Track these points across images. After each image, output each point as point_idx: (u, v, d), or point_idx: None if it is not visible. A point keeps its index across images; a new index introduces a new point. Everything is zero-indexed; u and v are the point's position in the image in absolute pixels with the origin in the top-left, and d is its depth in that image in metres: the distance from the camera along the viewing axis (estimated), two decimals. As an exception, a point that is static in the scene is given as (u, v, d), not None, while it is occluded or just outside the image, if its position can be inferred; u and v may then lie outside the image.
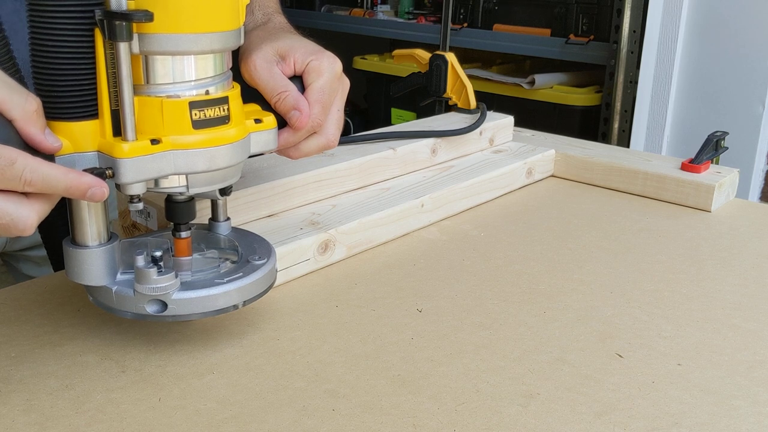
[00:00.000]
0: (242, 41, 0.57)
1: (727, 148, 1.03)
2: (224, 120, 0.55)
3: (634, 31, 1.99)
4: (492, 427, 0.51)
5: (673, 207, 0.95)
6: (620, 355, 0.61)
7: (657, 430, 0.51)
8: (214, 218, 0.65)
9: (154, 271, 0.54)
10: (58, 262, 0.77)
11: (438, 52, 1.04)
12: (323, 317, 0.66)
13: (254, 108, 0.63)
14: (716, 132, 1.01)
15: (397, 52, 1.12)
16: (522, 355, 0.60)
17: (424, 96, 1.08)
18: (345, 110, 0.69)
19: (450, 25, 2.44)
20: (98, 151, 0.52)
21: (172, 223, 0.59)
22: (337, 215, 0.79)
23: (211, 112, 0.54)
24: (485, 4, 2.45)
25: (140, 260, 0.55)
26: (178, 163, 0.53)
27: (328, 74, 0.65)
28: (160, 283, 0.54)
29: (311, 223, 0.76)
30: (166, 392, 0.54)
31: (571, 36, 2.19)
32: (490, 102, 1.11)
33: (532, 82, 2.21)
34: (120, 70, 0.50)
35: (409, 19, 2.76)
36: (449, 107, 1.09)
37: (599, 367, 0.59)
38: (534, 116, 2.10)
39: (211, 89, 0.54)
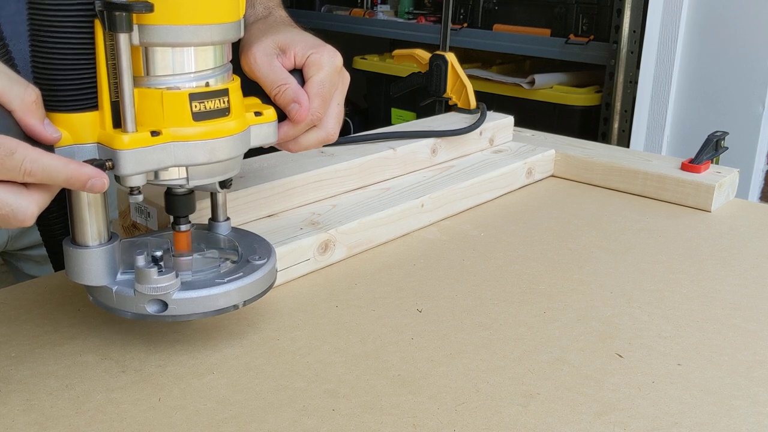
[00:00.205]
0: (242, 33, 0.57)
1: (727, 148, 1.03)
2: (224, 112, 0.55)
3: (634, 31, 1.99)
4: (492, 427, 0.51)
5: (673, 207, 0.95)
6: (620, 355, 0.61)
7: (657, 430, 0.51)
8: (214, 218, 0.65)
9: (154, 270, 0.54)
10: (58, 261, 0.77)
11: (438, 52, 1.04)
12: (323, 317, 0.66)
13: (254, 101, 0.63)
14: (716, 132, 1.01)
15: (397, 52, 1.12)
16: (522, 355, 0.60)
17: (424, 96, 1.08)
18: (345, 110, 0.69)
19: (450, 25, 2.44)
20: (98, 142, 0.52)
21: (171, 222, 0.60)
22: (337, 215, 0.79)
23: (211, 104, 0.54)
24: (485, 4, 2.45)
25: (140, 260, 0.55)
26: (178, 155, 0.53)
27: (329, 68, 0.65)
28: (161, 282, 0.54)
29: (311, 223, 0.76)
30: (166, 392, 0.54)
31: (571, 36, 2.19)
32: (490, 102, 1.11)
33: (532, 82, 2.21)
34: (120, 62, 0.50)
35: (409, 19, 2.76)
36: (449, 107, 1.09)
37: (599, 367, 0.59)
38: (534, 116, 2.10)
39: (212, 81, 0.54)
